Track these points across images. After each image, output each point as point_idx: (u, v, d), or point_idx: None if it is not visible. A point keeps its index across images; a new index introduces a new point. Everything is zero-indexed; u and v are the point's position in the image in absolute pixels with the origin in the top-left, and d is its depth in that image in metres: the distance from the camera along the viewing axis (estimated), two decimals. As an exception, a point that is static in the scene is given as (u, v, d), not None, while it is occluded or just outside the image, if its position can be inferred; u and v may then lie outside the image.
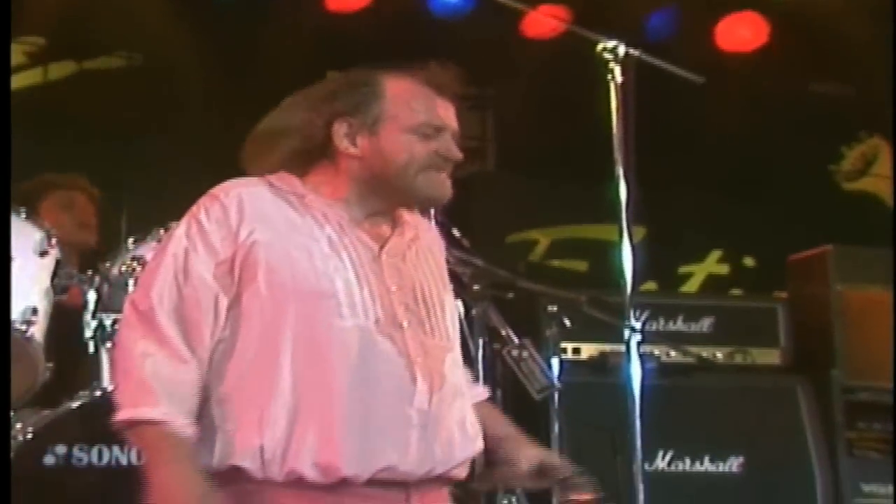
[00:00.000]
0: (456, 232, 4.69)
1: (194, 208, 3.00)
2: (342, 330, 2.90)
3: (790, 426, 4.69)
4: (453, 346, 3.13)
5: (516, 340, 4.37)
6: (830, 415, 5.25)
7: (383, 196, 3.08)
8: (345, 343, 2.90)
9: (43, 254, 3.95)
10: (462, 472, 3.07)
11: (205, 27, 6.74)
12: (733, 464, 4.90)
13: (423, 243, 3.20)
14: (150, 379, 2.85)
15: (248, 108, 4.50)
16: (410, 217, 3.19)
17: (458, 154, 3.09)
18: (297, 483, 2.84)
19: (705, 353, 5.04)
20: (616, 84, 4.31)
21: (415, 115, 3.06)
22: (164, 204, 4.42)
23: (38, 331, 3.85)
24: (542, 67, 6.34)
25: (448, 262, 4.41)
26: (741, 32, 6.85)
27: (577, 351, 5.00)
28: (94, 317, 4.09)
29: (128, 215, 4.99)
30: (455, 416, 3.03)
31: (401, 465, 2.89)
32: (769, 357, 5.39)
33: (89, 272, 4.20)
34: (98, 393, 3.88)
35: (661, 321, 5.17)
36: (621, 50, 4.34)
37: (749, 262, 6.29)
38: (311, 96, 3.12)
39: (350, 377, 2.88)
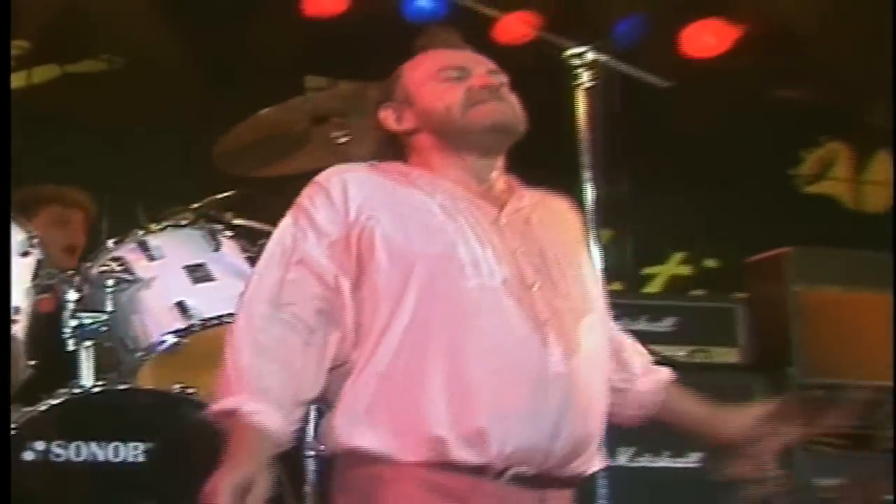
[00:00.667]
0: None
1: (298, 200, 2.93)
2: (468, 290, 2.76)
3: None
4: (592, 308, 2.96)
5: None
6: (787, 410, 5.28)
7: (457, 147, 2.98)
8: (471, 304, 2.76)
9: (25, 254, 3.93)
10: (594, 461, 2.90)
11: (185, 32, 6.75)
12: (692, 458, 4.96)
13: (551, 208, 3.11)
14: (247, 371, 2.71)
15: (228, 111, 4.56)
16: (530, 192, 3.08)
17: (493, 80, 3.01)
18: (437, 466, 2.67)
19: (667, 351, 5.07)
20: (584, 89, 4.36)
21: (431, 66, 3.04)
22: (144, 205, 4.45)
23: (19, 329, 3.83)
24: (513, 72, 6.35)
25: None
26: (706, 39, 6.90)
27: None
28: (73, 316, 4.05)
29: (109, 216, 5.00)
30: (597, 388, 2.86)
31: (538, 440, 2.70)
32: (728, 356, 5.46)
33: (70, 272, 4.20)
34: (76, 391, 3.87)
35: (626, 320, 5.18)
36: (589, 56, 4.38)
37: (711, 263, 6.34)
38: (354, 114, 3.31)
39: (478, 340, 2.72)
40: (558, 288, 2.85)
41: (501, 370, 2.70)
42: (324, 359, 2.79)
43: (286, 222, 2.90)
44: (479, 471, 2.69)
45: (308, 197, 2.90)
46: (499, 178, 3.04)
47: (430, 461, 2.68)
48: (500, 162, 3.06)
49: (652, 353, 4.93)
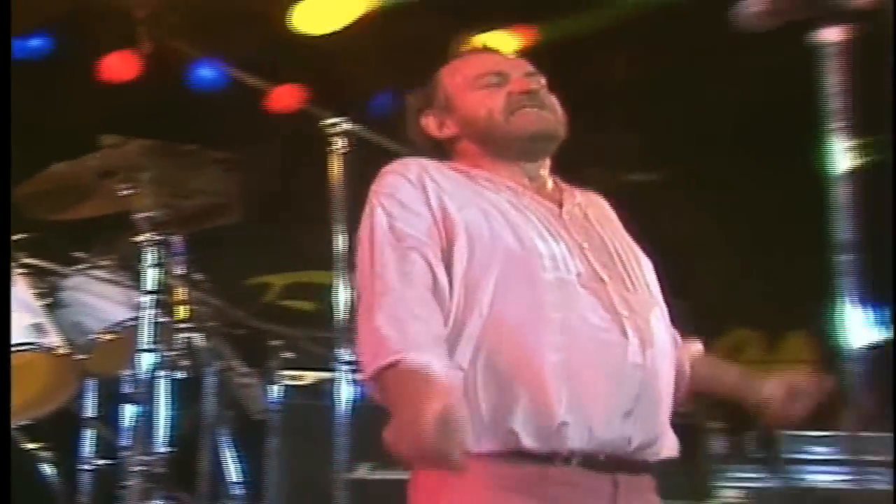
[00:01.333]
0: (199, 276, 4.76)
1: (374, 195, 2.65)
2: (547, 283, 2.53)
3: None
4: (657, 301, 2.74)
5: (241, 369, 4.44)
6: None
7: (502, 154, 2.77)
8: (550, 297, 2.52)
9: None
10: (665, 448, 2.63)
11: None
12: None
13: (599, 204, 2.90)
14: (404, 329, 2.40)
15: (23, 170, 4.49)
16: (576, 190, 2.87)
17: (532, 84, 2.79)
18: (506, 456, 2.44)
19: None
20: (337, 152, 4.49)
21: (470, 72, 2.82)
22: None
23: None
24: (284, 136, 6.39)
25: (189, 301, 4.50)
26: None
27: (299, 378, 5.03)
28: None
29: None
30: (667, 378, 2.64)
31: (616, 431, 2.48)
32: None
33: None
34: None
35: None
36: (343, 125, 4.51)
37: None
38: (406, 118, 2.92)
39: (558, 333, 2.49)
40: (626, 281, 2.65)
41: (581, 362, 2.48)
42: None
43: (375, 214, 2.60)
44: (547, 458, 2.46)
45: (387, 186, 2.64)
46: (547, 177, 2.84)
47: (501, 451, 2.44)
48: (546, 163, 2.84)
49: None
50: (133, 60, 6.42)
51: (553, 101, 2.81)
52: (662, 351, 2.62)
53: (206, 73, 6.72)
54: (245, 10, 6.39)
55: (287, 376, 4.86)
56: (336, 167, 4.53)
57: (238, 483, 4.66)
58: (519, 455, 2.45)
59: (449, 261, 2.55)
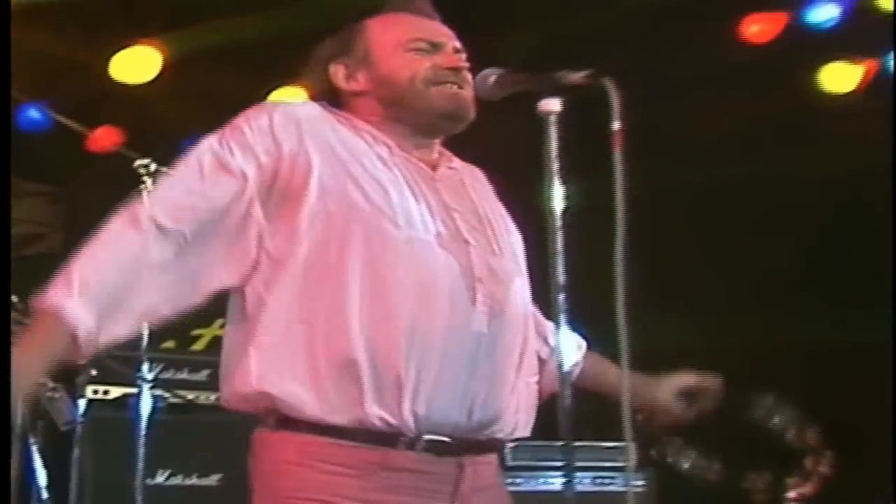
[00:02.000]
0: (14, 297, 4.62)
1: (236, 120, 2.31)
2: (396, 240, 2.22)
3: None
4: (521, 272, 2.42)
5: (51, 384, 4.34)
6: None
7: (405, 121, 2.41)
8: (398, 254, 2.21)
9: None
10: (509, 429, 2.31)
11: None
12: (214, 478, 4.93)
13: (476, 175, 2.57)
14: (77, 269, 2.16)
15: None
16: (456, 159, 2.54)
17: (462, 63, 2.44)
18: (352, 435, 2.15)
19: (203, 396, 5.10)
20: (147, 190, 4.44)
21: (403, 34, 2.44)
22: None
23: None
24: (102, 174, 6.28)
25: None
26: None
27: (106, 392, 4.94)
28: None
29: None
30: (515, 351, 2.32)
31: (453, 400, 2.19)
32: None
33: None
34: None
35: (173, 371, 5.19)
36: (153, 166, 4.46)
37: (221, 332, 6.32)
38: (306, 63, 2.53)
39: (402, 292, 2.19)
40: (493, 247, 2.36)
41: (429, 325, 2.19)
42: (200, 272, 2.22)
43: (208, 140, 2.29)
44: (391, 440, 2.18)
45: (246, 117, 2.31)
46: (433, 150, 2.49)
47: (346, 426, 2.15)
48: (438, 142, 2.51)
49: (179, 396, 5.03)
50: (-37, 102, 6.23)
51: (471, 82, 2.43)
52: (515, 324, 2.33)
53: (32, 115, 6.55)
54: (69, 59, 6.26)
55: (93, 391, 4.80)
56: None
57: (46, 488, 4.54)
58: (365, 434, 2.16)
59: (283, 206, 2.25)
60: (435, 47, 2.43)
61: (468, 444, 2.25)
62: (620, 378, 2.26)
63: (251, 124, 2.29)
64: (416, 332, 2.18)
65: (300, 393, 2.16)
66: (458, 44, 2.47)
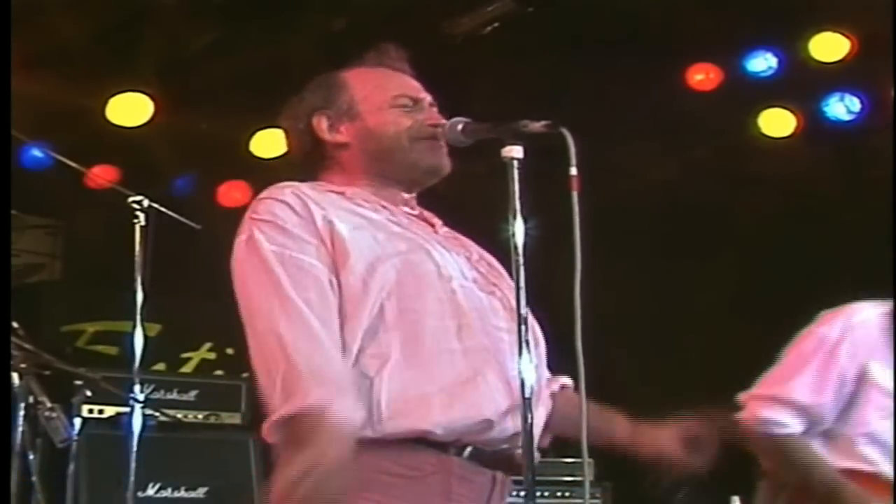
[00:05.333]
0: (15, 324, 4.60)
1: (252, 223, 2.14)
2: (451, 291, 2.14)
3: (243, 467, 4.69)
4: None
5: (49, 404, 4.33)
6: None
7: (390, 175, 2.31)
8: (459, 301, 2.13)
9: None
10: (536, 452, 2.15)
11: None
12: (201, 491, 4.90)
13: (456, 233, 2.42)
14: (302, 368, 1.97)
15: None
16: None
17: (442, 120, 2.32)
18: (408, 447, 2.06)
19: (191, 415, 5.08)
20: (139, 226, 4.44)
21: (387, 91, 2.33)
22: None
23: None
24: (98, 209, 6.26)
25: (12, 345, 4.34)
26: (234, 195, 6.97)
27: (101, 411, 4.92)
28: None
29: None
30: (543, 381, 2.25)
31: (511, 427, 2.09)
32: (233, 419, 5.47)
33: None
34: None
35: (163, 392, 5.16)
36: (145, 202, 4.46)
37: (230, 351, 6.27)
38: (285, 113, 2.39)
39: (470, 336, 2.13)
40: (510, 289, 2.20)
41: (489, 365, 2.12)
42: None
43: (256, 238, 2.11)
44: (444, 445, 2.09)
45: (269, 212, 2.14)
46: (415, 205, 2.39)
47: (403, 436, 2.06)
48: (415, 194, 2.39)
49: (168, 416, 5.01)
50: (-30, 141, 6.19)
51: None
52: (542, 357, 2.28)
53: (35, 154, 6.51)
54: (68, 103, 6.20)
55: (88, 410, 4.78)
56: (139, 237, 4.47)
57: (42, 501, 4.51)
58: (418, 441, 2.07)
59: (345, 279, 2.11)
60: (416, 103, 2.35)
61: (501, 460, 2.18)
62: (629, 426, 2.30)
63: (278, 215, 2.15)
64: (486, 367, 2.13)
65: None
66: (430, 98, 2.39)
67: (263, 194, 2.20)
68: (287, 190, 2.18)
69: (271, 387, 2.00)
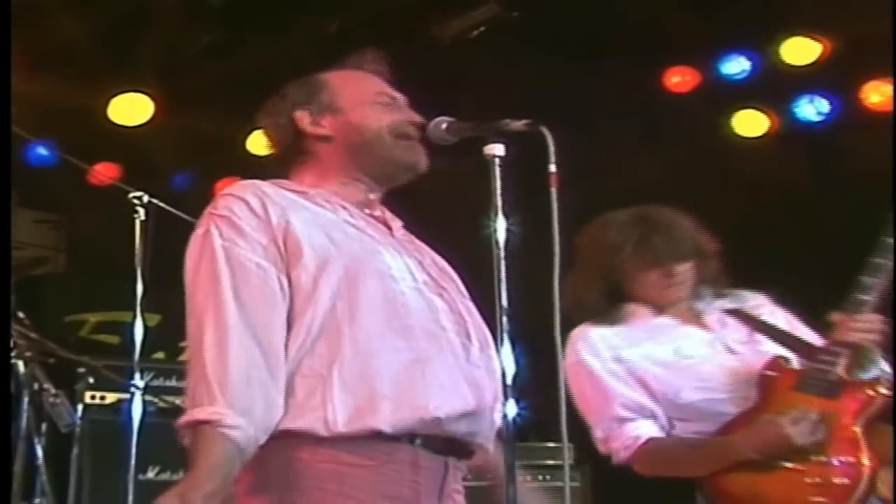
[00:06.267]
0: (20, 313, 4.60)
1: (210, 218, 2.13)
2: (400, 293, 2.14)
3: None
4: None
5: (53, 391, 4.33)
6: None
7: (367, 170, 2.31)
8: (407, 302, 2.13)
9: None
10: (486, 440, 2.22)
11: None
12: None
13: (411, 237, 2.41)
14: (230, 385, 1.97)
15: None
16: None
17: (420, 119, 2.32)
18: (361, 441, 2.04)
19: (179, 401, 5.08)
20: (139, 221, 4.44)
21: (368, 89, 2.34)
22: None
23: None
24: (100, 204, 6.24)
25: (12, 335, 4.33)
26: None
27: (103, 398, 4.90)
28: None
29: None
30: (495, 377, 2.15)
31: (461, 422, 2.12)
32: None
33: None
34: None
35: (162, 379, 5.15)
36: (145, 198, 4.46)
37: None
38: (264, 111, 2.38)
39: (420, 337, 2.12)
40: (460, 291, 2.30)
41: (439, 362, 2.13)
42: (282, 368, 2.07)
43: (211, 233, 2.10)
44: (396, 438, 2.08)
45: (227, 208, 2.13)
46: (378, 203, 2.39)
47: (355, 433, 2.04)
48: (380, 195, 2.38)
49: (166, 402, 4.99)
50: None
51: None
52: (493, 355, 2.21)
53: (40, 152, 6.51)
54: (72, 103, 6.21)
55: (90, 396, 4.77)
56: (139, 231, 4.45)
57: (48, 483, 4.53)
58: (370, 435, 2.06)
59: (296, 277, 2.10)
60: (395, 101, 2.36)
61: (453, 446, 2.18)
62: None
63: (235, 212, 2.14)
64: (432, 365, 2.12)
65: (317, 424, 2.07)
66: (404, 97, 2.40)
67: (225, 190, 2.19)
68: (248, 188, 2.17)
69: (188, 386, 2.04)
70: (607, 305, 3.05)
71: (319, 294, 2.09)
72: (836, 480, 2.69)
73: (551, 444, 5.19)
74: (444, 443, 2.15)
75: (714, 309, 3.09)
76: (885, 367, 2.84)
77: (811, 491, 2.71)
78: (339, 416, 2.03)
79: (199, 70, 6.12)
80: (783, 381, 2.86)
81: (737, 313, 3.06)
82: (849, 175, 5.80)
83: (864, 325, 2.77)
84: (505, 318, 2.08)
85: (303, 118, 2.32)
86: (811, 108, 6.18)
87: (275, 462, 2.07)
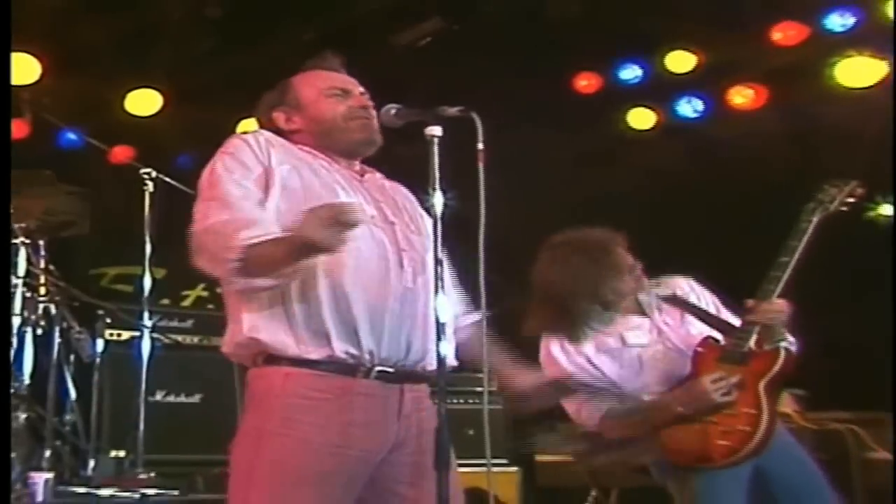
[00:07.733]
0: (53, 267, 4.54)
1: (219, 153, 2.19)
2: None
3: (228, 380, 4.58)
4: (429, 248, 2.13)
5: (78, 329, 4.31)
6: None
7: (334, 150, 2.30)
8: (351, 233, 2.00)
9: None
10: (434, 364, 2.07)
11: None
12: (196, 397, 4.83)
13: (397, 187, 2.41)
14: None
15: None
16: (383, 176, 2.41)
17: (369, 103, 2.34)
18: (323, 365, 2.04)
19: (189, 339, 5.01)
20: (149, 193, 4.38)
21: (321, 85, 2.35)
22: None
23: None
24: (118, 180, 6.11)
25: (46, 284, 4.25)
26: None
27: (119, 335, 4.83)
28: None
29: None
30: (430, 304, 2.08)
31: (398, 340, 2.10)
32: (221, 342, 5.33)
33: None
34: None
35: (167, 321, 5.08)
36: (154, 174, 4.39)
37: (219, 290, 6.27)
38: (257, 109, 2.40)
39: (356, 260, 2.09)
40: (410, 227, 2.26)
41: (372, 282, 2.11)
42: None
43: (217, 165, 2.16)
44: (352, 370, 2.07)
45: (232, 145, 2.18)
46: (357, 165, 2.37)
47: (318, 359, 2.05)
48: (358, 161, 2.37)
49: (175, 340, 4.93)
50: (22, 126, 6.02)
51: (375, 115, 2.32)
52: (429, 281, 2.12)
53: (70, 136, 6.39)
54: (96, 97, 6.15)
55: (109, 334, 4.72)
56: (148, 201, 4.45)
57: (75, 402, 4.51)
58: (333, 365, 2.05)
59: (270, 204, 2.12)
60: (346, 93, 2.35)
61: (406, 374, 2.14)
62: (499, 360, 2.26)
63: (239, 150, 2.19)
64: (367, 289, 2.10)
65: (283, 338, 2.07)
66: (362, 88, 2.38)
67: (239, 135, 2.23)
68: (254, 133, 2.25)
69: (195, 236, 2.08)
70: (568, 324, 3.02)
71: (280, 219, 2.09)
72: (740, 427, 2.76)
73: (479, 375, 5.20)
74: (396, 373, 2.11)
75: (652, 298, 3.06)
76: (790, 338, 2.91)
77: (720, 436, 2.78)
78: (304, 337, 2.06)
79: (200, 70, 6.10)
80: (710, 354, 2.90)
81: (672, 299, 3.05)
82: (719, 161, 5.87)
83: (772, 309, 2.82)
84: (440, 269, 2.04)
85: (279, 117, 2.34)
86: (689, 107, 6.30)
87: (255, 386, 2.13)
